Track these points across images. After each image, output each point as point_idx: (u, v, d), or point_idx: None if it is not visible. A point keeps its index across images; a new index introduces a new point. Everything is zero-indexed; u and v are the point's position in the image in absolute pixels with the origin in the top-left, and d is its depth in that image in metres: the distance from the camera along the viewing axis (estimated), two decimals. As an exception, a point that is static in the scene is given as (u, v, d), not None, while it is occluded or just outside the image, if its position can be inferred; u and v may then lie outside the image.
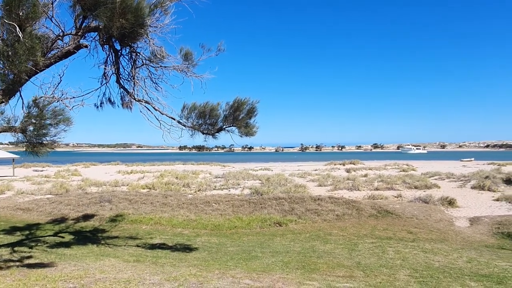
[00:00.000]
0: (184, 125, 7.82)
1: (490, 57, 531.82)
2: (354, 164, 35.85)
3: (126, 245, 9.54)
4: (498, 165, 31.50)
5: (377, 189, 19.91)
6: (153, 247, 9.50)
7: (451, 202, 15.47)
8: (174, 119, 7.82)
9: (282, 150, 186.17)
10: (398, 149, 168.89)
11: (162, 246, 9.59)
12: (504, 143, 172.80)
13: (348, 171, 29.80)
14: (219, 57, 7.85)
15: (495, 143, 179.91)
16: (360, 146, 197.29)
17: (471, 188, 19.77)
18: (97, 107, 8.34)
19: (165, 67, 7.69)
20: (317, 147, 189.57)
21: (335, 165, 36.18)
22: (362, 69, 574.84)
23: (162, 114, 7.71)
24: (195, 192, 19.48)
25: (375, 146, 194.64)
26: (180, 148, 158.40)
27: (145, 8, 6.27)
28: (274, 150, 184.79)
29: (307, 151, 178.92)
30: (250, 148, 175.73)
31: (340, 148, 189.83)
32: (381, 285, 5.75)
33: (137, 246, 9.54)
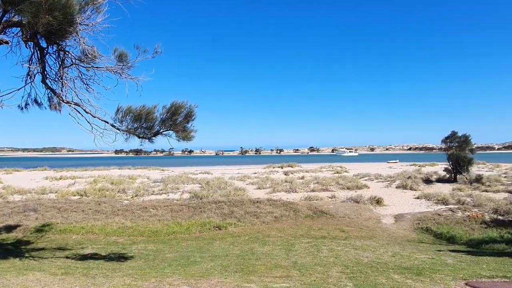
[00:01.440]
0: (118, 129, 7.53)
1: (414, 61, 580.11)
2: (291, 167, 36.84)
3: (53, 257, 8.88)
4: (419, 166, 34.45)
5: (313, 190, 20.72)
6: (84, 257, 8.95)
7: (378, 201, 16.67)
8: (107, 122, 7.49)
9: (222, 153, 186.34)
10: (333, 152, 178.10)
11: (94, 256, 9.08)
12: (424, 146, 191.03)
13: (286, 173, 30.59)
14: (157, 59, 7.72)
15: (416, 146, 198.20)
16: (297, 150, 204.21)
17: (396, 187, 21.46)
18: (22, 108, 7.77)
19: (97, 67, 7.36)
20: (257, 150, 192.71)
21: (273, 168, 36.86)
22: (305, 74, 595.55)
23: (94, 117, 7.36)
24: (132, 197, 18.70)
25: (312, 149, 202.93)
26: (116, 152, 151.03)
27: (75, 5, 5.95)
28: (215, 154, 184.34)
29: (247, 154, 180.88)
30: (190, 151, 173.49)
31: (278, 152, 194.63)
32: (315, 283, 6.01)
33: (66, 257, 8.93)
